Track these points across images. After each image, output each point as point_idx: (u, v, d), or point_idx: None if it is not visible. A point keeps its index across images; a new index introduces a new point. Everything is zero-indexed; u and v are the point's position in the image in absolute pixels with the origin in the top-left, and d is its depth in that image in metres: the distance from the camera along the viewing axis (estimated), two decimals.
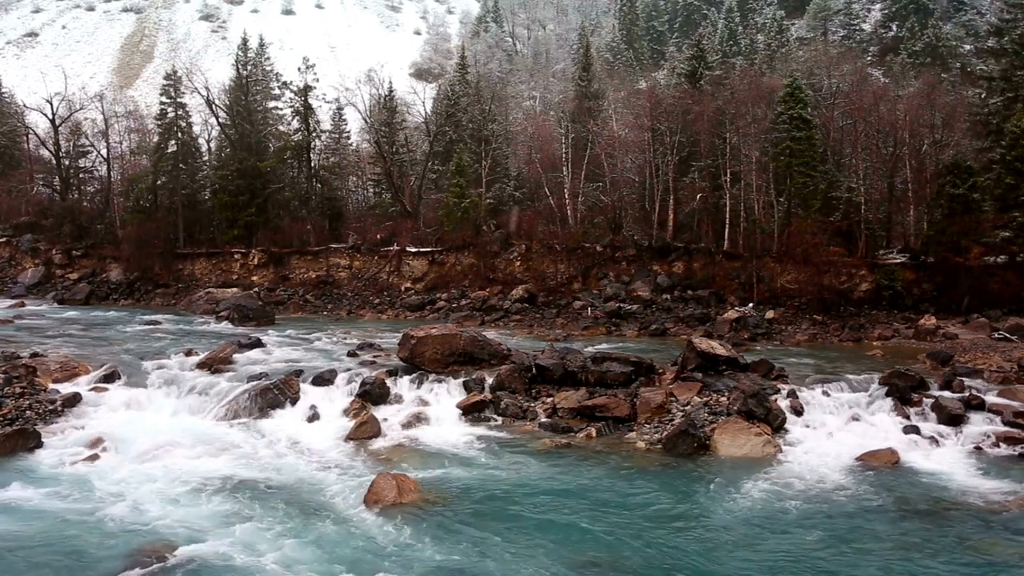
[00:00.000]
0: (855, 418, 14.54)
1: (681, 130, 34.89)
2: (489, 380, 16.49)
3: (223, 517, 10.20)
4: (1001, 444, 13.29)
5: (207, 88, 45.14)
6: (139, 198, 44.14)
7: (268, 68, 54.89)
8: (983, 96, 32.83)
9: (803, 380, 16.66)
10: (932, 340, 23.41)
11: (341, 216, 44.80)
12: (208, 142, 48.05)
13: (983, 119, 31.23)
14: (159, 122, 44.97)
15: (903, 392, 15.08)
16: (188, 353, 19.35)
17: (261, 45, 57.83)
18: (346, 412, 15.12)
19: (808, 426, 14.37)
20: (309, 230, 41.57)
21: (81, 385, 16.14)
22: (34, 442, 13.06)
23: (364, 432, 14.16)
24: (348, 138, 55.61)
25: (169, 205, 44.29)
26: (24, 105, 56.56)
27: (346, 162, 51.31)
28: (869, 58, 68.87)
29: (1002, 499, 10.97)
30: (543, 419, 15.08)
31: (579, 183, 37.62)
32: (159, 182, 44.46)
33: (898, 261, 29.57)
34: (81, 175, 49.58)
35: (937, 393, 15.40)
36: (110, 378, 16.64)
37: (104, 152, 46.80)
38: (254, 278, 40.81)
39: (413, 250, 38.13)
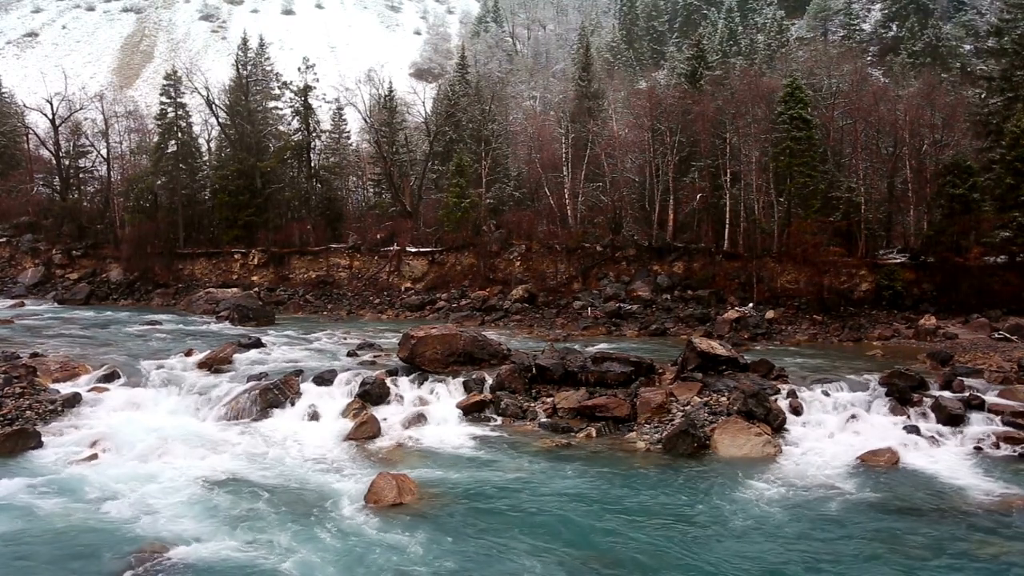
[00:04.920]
0: (855, 418, 14.52)
1: (681, 130, 34.89)
2: (489, 380, 16.50)
3: (223, 517, 10.20)
4: (1001, 444, 13.29)
5: (207, 88, 45.15)
6: (139, 198, 44.16)
7: (268, 68, 54.75)
8: (983, 96, 32.82)
9: (803, 380, 16.63)
10: (932, 340, 23.39)
11: (341, 216, 44.84)
12: (208, 142, 48.10)
13: (983, 119, 31.23)
14: (159, 122, 44.98)
15: (903, 392, 15.07)
16: (188, 353, 19.34)
17: (261, 45, 57.73)
18: (346, 412, 15.11)
19: (808, 426, 14.37)
20: (309, 230, 41.59)
21: (81, 385, 16.17)
22: (34, 442, 13.07)
23: (364, 432, 14.16)
24: (348, 138, 55.55)
25: (169, 205, 44.33)
26: (24, 105, 56.51)
27: (346, 162, 51.30)
28: (869, 58, 68.89)
29: (1002, 499, 10.97)
30: (543, 419, 15.08)
31: (579, 183, 37.61)
32: (159, 182, 44.51)
33: (898, 261, 29.56)
34: (81, 175, 49.57)
35: (937, 393, 15.38)
36: (110, 378, 16.65)
37: (104, 152, 46.85)
38: (254, 278, 40.83)
39: (413, 250, 38.15)
